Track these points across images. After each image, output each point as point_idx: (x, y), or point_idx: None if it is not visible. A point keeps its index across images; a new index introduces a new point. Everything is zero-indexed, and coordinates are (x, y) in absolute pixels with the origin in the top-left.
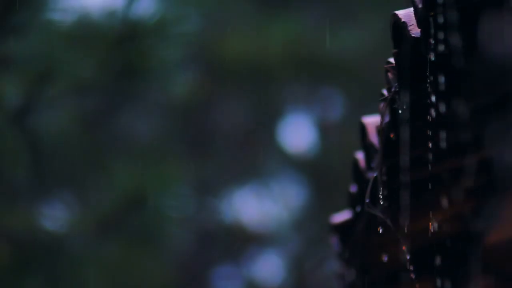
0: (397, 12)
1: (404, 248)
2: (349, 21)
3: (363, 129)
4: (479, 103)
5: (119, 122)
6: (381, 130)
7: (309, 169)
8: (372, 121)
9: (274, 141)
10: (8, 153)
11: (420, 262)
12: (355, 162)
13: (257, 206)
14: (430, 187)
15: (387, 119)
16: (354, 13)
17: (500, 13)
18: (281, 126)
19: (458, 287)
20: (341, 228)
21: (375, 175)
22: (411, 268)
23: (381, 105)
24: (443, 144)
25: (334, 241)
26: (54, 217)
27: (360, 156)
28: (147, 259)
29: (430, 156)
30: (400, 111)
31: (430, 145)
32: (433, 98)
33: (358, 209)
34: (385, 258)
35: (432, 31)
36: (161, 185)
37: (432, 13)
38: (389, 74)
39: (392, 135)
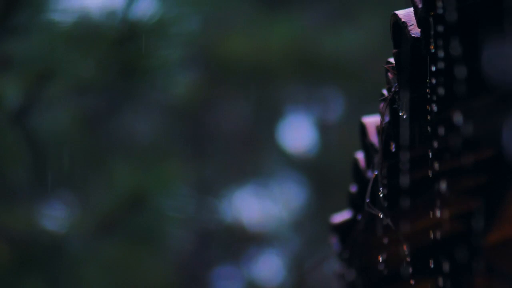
0: (397, 12)
1: (404, 248)
2: (349, 21)
3: (363, 129)
4: (479, 102)
5: (119, 122)
6: (381, 130)
7: (309, 169)
8: (372, 121)
9: (274, 141)
10: (8, 153)
11: (420, 262)
12: (355, 162)
13: (257, 206)
14: (430, 187)
15: (387, 119)
16: (354, 13)
17: (500, 12)
18: (281, 126)
19: (458, 287)
20: (341, 228)
21: (375, 175)
22: (411, 268)
23: (381, 105)
24: (443, 144)
25: (334, 241)
26: (54, 217)
27: (360, 156)
28: (147, 259)
29: (430, 156)
30: (400, 111)
31: (430, 145)
32: (433, 98)
33: (358, 209)
34: (385, 258)
35: (432, 31)
36: (161, 185)
37: (432, 13)
38: (389, 74)
39: (392, 136)
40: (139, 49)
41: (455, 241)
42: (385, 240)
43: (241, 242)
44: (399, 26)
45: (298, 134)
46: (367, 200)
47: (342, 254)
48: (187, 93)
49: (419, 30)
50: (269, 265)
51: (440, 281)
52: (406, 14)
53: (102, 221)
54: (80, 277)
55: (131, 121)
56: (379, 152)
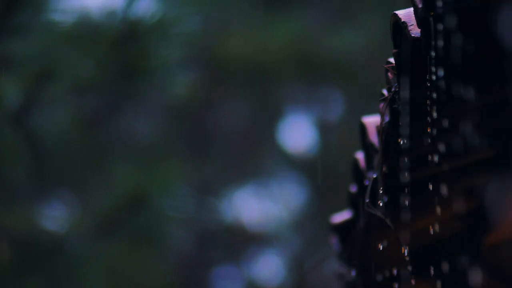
0: (397, 12)
1: (404, 248)
2: (349, 21)
3: (363, 129)
4: (479, 102)
5: (119, 122)
6: (381, 130)
7: (309, 169)
8: (372, 121)
9: (274, 141)
10: (8, 153)
11: (420, 262)
12: (355, 162)
13: (257, 206)
14: (430, 187)
15: (387, 119)
16: (354, 13)
17: (500, 12)
18: (281, 126)
19: (458, 287)
20: (341, 228)
21: (375, 175)
22: (411, 268)
23: (381, 105)
24: (443, 144)
25: (334, 241)
26: (54, 217)
27: (360, 156)
28: (147, 259)
29: (430, 156)
30: (400, 111)
31: (430, 144)
32: (433, 98)
33: (358, 209)
34: (384, 258)
35: (432, 31)
36: (161, 185)
37: (432, 13)
38: (389, 74)
39: (392, 135)
40: (139, 49)
41: (455, 242)
42: (385, 240)
43: (241, 242)
44: (399, 26)
45: (298, 134)
46: (367, 200)
47: (342, 254)
48: (187, 93)
49: (419, 30)
50: (269, 265)
51: (440, 282)
52: (406, 14)
53: (102, 221)
54: (80, 277)
55: (131, 121)
56: (379, 152)
